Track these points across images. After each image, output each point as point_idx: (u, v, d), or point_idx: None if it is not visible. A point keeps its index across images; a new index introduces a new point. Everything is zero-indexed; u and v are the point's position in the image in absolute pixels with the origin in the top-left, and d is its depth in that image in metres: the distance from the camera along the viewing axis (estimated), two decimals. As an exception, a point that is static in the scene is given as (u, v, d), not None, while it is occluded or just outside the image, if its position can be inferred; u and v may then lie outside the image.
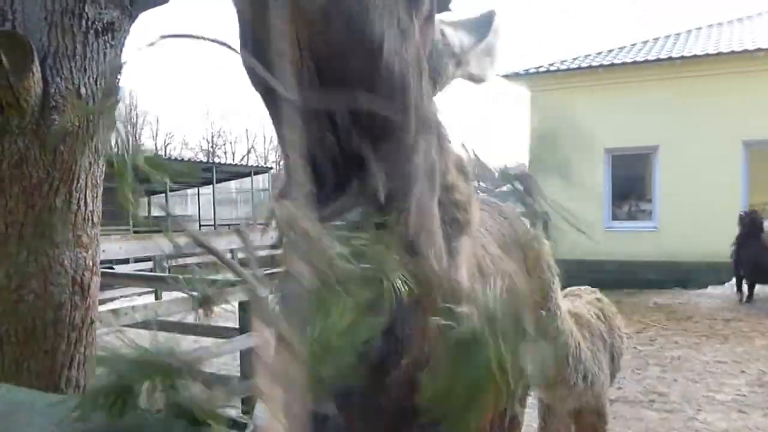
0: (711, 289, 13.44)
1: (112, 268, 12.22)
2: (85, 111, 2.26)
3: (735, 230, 12.22)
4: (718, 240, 12.34)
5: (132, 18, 2.55)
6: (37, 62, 2.09)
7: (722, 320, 10.61)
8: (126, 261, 14.66)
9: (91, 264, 2.44)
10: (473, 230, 1.64)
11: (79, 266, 2.38)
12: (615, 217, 15.89)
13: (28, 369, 2.37)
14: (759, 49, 13.80)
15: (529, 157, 16.92)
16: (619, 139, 15.23)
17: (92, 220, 2.42)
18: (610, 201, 15.89)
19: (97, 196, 2.44)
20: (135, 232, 20.42)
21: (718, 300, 12.57)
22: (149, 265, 14.71)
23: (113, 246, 6.55)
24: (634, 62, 15.22)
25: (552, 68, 16.41)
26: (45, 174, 2.22)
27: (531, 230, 3.23)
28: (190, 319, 8.80)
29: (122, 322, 5.44)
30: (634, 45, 17.08)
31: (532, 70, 16.65)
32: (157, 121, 78.15)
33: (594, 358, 4.23)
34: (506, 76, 16.79)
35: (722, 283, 13.43)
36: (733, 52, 14.14)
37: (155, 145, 53.04)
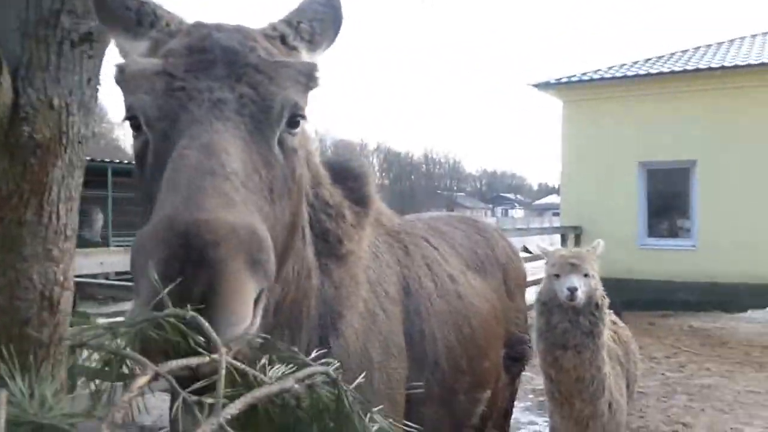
0: (751, 313, 13.08)
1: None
2: (57, 122, 2.30)
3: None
4: (761, 260, 12.03)
5: (113, 28, 2.59)
6: (6, 73, 2.13)
7: (760, 347, 10.30)
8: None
9: (62, 279, 2.46)
10: (357, 258, 1.77)
11: (48, 281, 2.40)
12: (651, 234, 15.62)
13: (-5, 386, 2.40)
14: (804, 60, 13.52)
15: (562, 169, 16.79)
16: (654, 153, 15.01)
17: (65, 233, 2.44)
18: (646, 217, 15.63)
19: (71, 210, 2.46)
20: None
21: (758, 325, 12.23)
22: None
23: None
24: (672, 72, 15.00)
25: (585, 78, 16.26)
26: (15, 186, 2.26)
27: (512, 248, 3.18)
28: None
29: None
30: (672, 54, 16.88)
31: (564, 80, 16.53)
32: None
33: (616, 384, 4.10)
34: (537, 86, 16.71)
35: (764, 307, 13.08)
36: (776, 63, 13.86)
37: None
